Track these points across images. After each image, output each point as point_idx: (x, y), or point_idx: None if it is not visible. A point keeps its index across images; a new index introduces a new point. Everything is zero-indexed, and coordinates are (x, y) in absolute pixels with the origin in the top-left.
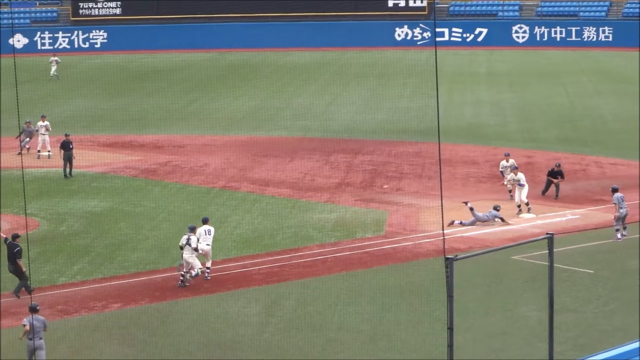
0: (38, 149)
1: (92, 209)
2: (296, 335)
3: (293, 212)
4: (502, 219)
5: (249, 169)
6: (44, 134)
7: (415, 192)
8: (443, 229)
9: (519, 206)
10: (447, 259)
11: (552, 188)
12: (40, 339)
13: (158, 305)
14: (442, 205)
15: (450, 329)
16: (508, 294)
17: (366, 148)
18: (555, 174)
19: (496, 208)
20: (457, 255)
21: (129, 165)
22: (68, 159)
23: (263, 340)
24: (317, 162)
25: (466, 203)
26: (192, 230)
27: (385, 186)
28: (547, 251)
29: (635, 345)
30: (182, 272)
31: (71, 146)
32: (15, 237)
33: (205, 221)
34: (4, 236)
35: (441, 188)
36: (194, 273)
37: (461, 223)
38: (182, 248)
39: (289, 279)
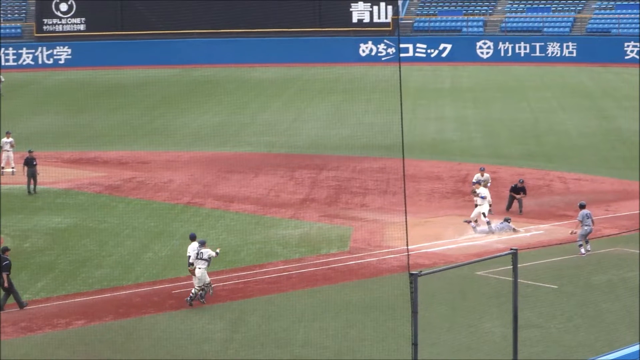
0: (2, 165)
1: (56, 225)
2: (261, 351)
3: (258, 228)
4: (515, 229)
5: (214, 185)
6: (8, 151)
7: (379, 208)
8: (407, 245)
9: (475, 221)
10: (411, 274)
11: (516, 203)
12: None
13: (122, 322)
14: (406, 221)
15: (415, 344)
16: (472, 310)
17: (331, 164)
18: (518, 190)
19: (507, 220)
20: (421, 271)
21: (93, 182)
22: (32, 176)
23: (227, 356)
24: (282, 178)
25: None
26: (203, 244)
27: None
28: (512, 267)
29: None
30: (197, 290)
31: (35, 162)
32: (5, 250)
33: (193, 238)
34: None
35: (405, 204)
36: (206, 290)
37: (474, 228)
38: (192, 264)
39: (254, 295)
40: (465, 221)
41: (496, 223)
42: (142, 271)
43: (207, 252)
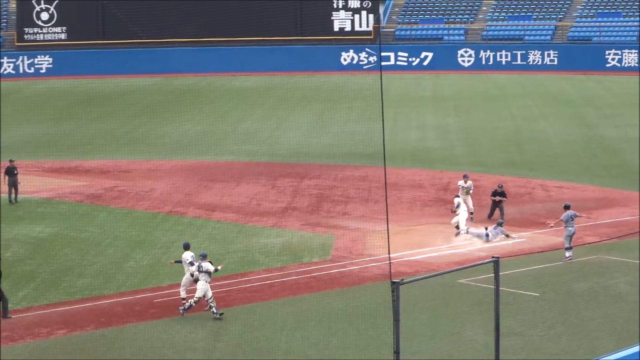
0: None
1: (38, 234)
2: None
3: (239, 236)
4: (507, 235)
5: (195, 194)
6: None
7: (361, 216)
8: (389, 253)
9: (457, 227)
10: (393, 283)
11: (497, 212)
12: None
13: (104, 331)
14: (388, 229)
15: (397, 352)
16: (454, 318)
17: (312, 172)
18: (498, 194)
19: (500, 224)
20: (403, 279)
21: (75, 191)
22: (13, 185)
23: None
24: (264, 187)
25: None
26: (204, 257)
27: (550, 224)
28: (493, 274)
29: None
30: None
31: (16, 172)
32: None
33: (186, 247)
34: None
35: (387, 212)
36: (194, 301)
37: (467, 232)
38: (192, 275)
39: (236, 304)
40: (457, 234)
41: (489, 229)
42: (124, 280)
43: (207, 266)
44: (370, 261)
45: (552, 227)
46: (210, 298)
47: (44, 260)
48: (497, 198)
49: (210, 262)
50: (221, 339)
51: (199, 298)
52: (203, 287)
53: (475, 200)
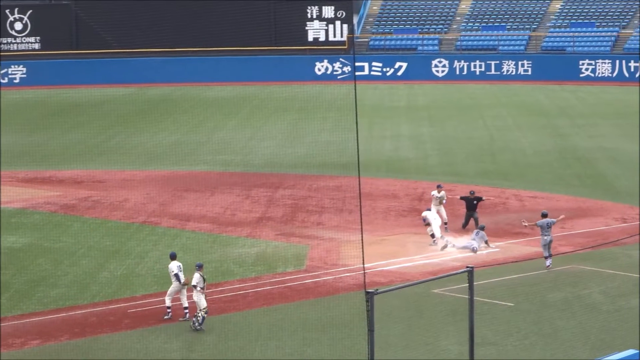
0: None
1: (11, 244)
2: None
3: (214, 247)
4: (487, 242)
5: (170, 204)
6: None
7: (336, 226)
8: (363, 263)
9: (432, 236)
10: (367, 293)
11: (472, 222)
12: None
13: (78, 341)
14: (362, 239)
15: None
16: (429, 328)
17: (287, 182)
18: (472, 200)
19: (482, 228)
20: (377, 289)
21: (49, 201)
22: None
23: None
24: (238, 197)
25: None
26: (200, 268)
27: (524, 223)
28: (468, 284)
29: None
30: (200, 313)
31: None
32: None
33: (173, 257)
34: None
35: (361, 222)
36: (200, 315)
37: (453, 245)
38: (195, 287)
39: (210, 314)
40: (443, 247)
41: (471, 235)
42: (98, 290)
43: (195, 278)
44: (345, 271)
45: (525, 225)
46: (203, 308)
47: (17, 270)
48: (473, 195)
49: (203, 276)
50: (195, 349)
51: (205, 308)
52: (200, 297)
53: (449, 210)
